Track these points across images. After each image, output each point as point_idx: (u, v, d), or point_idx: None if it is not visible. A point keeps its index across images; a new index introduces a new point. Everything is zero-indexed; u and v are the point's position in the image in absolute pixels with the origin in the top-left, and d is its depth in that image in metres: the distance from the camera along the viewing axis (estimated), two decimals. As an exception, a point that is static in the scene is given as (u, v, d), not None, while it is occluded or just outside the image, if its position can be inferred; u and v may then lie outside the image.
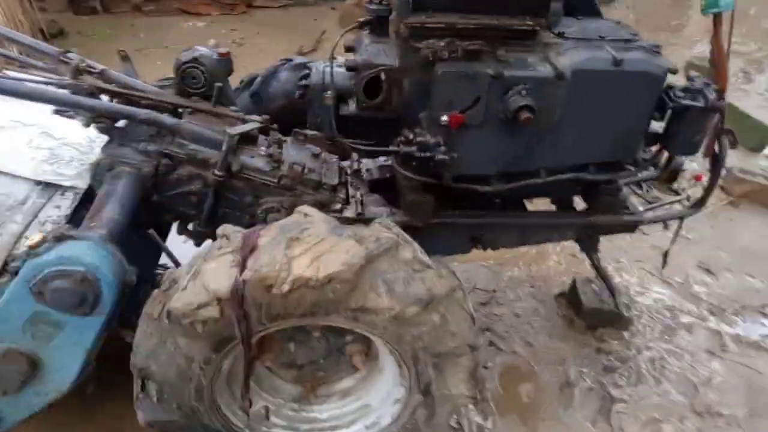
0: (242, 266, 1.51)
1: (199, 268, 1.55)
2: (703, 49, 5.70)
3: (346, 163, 2.36)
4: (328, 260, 1.49)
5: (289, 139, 2.24)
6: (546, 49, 1.88)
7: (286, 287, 1.47)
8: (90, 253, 1.55)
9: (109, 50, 5.61)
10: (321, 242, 1.53)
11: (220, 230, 1.68)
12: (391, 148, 1.96)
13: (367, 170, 2.40)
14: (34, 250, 1.52)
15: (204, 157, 1.99)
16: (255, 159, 2.05)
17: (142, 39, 5.87)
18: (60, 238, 1.55)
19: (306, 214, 1.65)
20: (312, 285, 1.47)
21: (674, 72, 1.87)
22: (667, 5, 7.33)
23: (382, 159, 2.41)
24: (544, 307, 2.79)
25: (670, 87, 1.95)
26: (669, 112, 1.94)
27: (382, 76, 1.91)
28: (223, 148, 1.95)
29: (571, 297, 2.78)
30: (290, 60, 2.75)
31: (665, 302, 2.84)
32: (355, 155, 2.43)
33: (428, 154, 1.85)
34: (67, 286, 1.51)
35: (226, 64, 2.15)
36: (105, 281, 1.55)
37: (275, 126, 2.21)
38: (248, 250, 1.55)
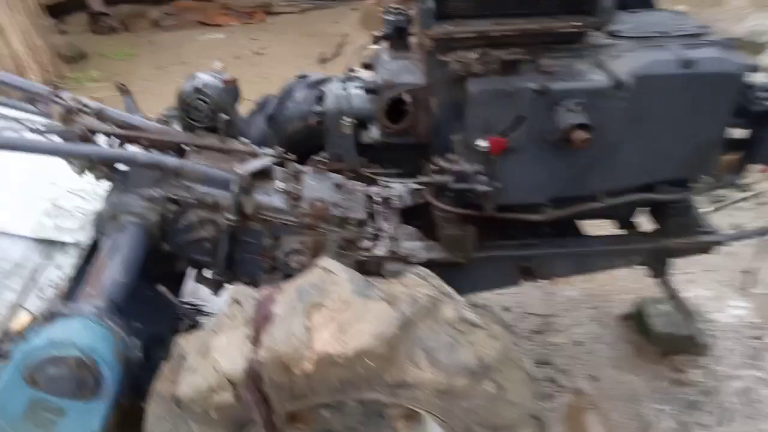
0: (256, 340, 1.30)
1: (208, 344, 1.34)
2: (753, 24, 5.20)
3: (374, 189, 2.13)
4: (356, 331, 1.26)
5: (308, 168, 2.02)
6: (598, 52, 1.60)
7: (308, 366, 1.24)
8: (85, 333, 1.35)
9: (129, 70, 5.53)
10: (346, 308, 1.30)
11: (231, 293, 1.47)
12: (422, 179, 1.71)
13: (398, 196, 2.16)
14: (21, 335, 1.34)
15: (214, 200, 1.79)
16: (271, 197, 1.84)
17: (162, 55, 5.75)
18: (50, 317, 1.36)
19: (327, 271, 1.42)
20: (339, 362, 1.24)
21: (754, 70, 1.57)
22: (706, -26, 6.69)
23: (413, 181, 2.18)
24: (607, 332, 2.50)
25: (749, 86, 1.64)
26: (751, 116, 1.64)
27: (407, 98, 1.66)
28: (234, 189, 1.74)
29: (638, 319, 2.48)
30: (305, 77, 2.53)
31: (747, 319, 2.50)
32: (382, 181, 2.20)
33: (467, 186, 1.60)
34: (62, 371, 1.33)
35: (232, 92, 1.93)
36: (104, 362, 1.36)
37: (292, 156, 1.99)
38: (262, 319, 1.33)
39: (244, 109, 2.23)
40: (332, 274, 1.39)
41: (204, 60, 5.94)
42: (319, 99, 2.36)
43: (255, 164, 1.80)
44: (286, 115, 2.46)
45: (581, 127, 1.46)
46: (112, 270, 1.58)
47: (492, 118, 1.51)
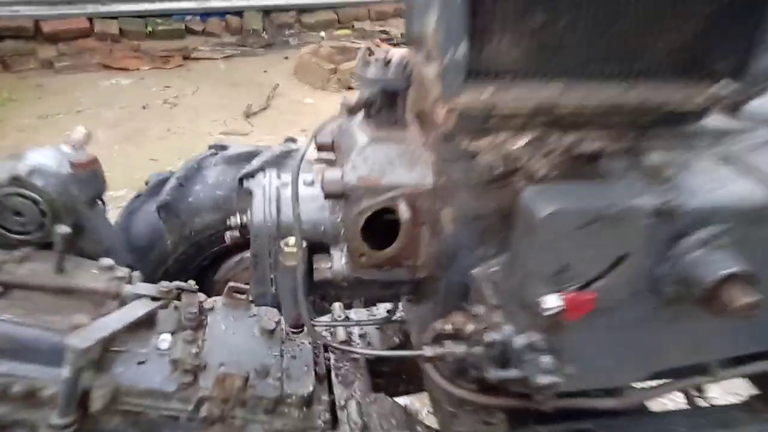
0: None
1: None
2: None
3: (325, 324, 1.37)
4: None
5: (218, 302, 1.23)
6: (723, 141, 0.95)
7: None
8: None
9: (3, 118, 4.48)
10: None
11: None
12: (419, 351, 0.95)
13: (362, 336, 1.41)
14: None
15: (30, 387, 0.96)
16: (146, 370, 1.04)
17: (51, 102, 4.75)
18: None
19: None
20: None
21: None
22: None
23: (382, 309, 1.44)
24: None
25: None
26: None
27: (402, 208, 0.91)
28: (66, 374, 0.91)
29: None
30: (223, 148, 1.76)
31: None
32: (337, 307, 1.44)
33: (513, 375, 0.87)
34: None
35: (87, 183, 1.12)
36: None
37: (191, 287, 1.19)
38: None
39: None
40: None
41: (102, 109, 5.05)
42: (241, 182, 1.60)
43: (114, 320, 0.99)
44: (192, 204, 1.67)
45: (741, 279, 0.77)
46: None
47: (570, 258, 0.80)
